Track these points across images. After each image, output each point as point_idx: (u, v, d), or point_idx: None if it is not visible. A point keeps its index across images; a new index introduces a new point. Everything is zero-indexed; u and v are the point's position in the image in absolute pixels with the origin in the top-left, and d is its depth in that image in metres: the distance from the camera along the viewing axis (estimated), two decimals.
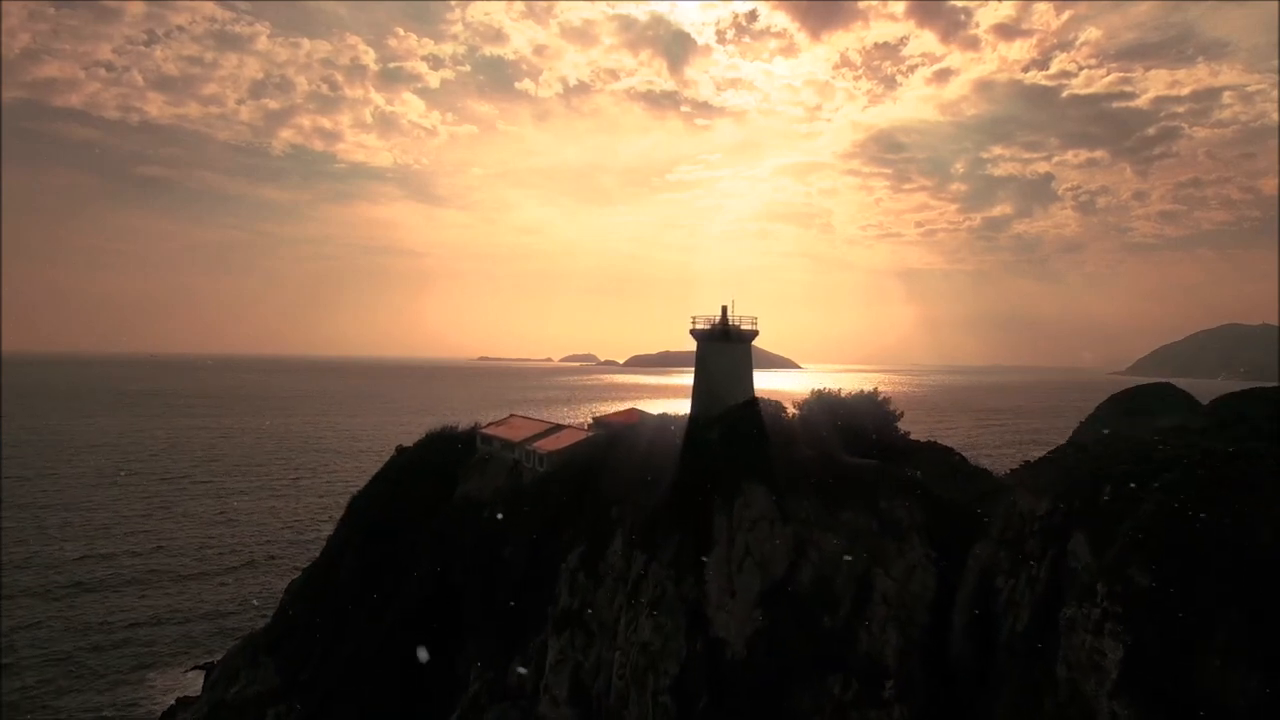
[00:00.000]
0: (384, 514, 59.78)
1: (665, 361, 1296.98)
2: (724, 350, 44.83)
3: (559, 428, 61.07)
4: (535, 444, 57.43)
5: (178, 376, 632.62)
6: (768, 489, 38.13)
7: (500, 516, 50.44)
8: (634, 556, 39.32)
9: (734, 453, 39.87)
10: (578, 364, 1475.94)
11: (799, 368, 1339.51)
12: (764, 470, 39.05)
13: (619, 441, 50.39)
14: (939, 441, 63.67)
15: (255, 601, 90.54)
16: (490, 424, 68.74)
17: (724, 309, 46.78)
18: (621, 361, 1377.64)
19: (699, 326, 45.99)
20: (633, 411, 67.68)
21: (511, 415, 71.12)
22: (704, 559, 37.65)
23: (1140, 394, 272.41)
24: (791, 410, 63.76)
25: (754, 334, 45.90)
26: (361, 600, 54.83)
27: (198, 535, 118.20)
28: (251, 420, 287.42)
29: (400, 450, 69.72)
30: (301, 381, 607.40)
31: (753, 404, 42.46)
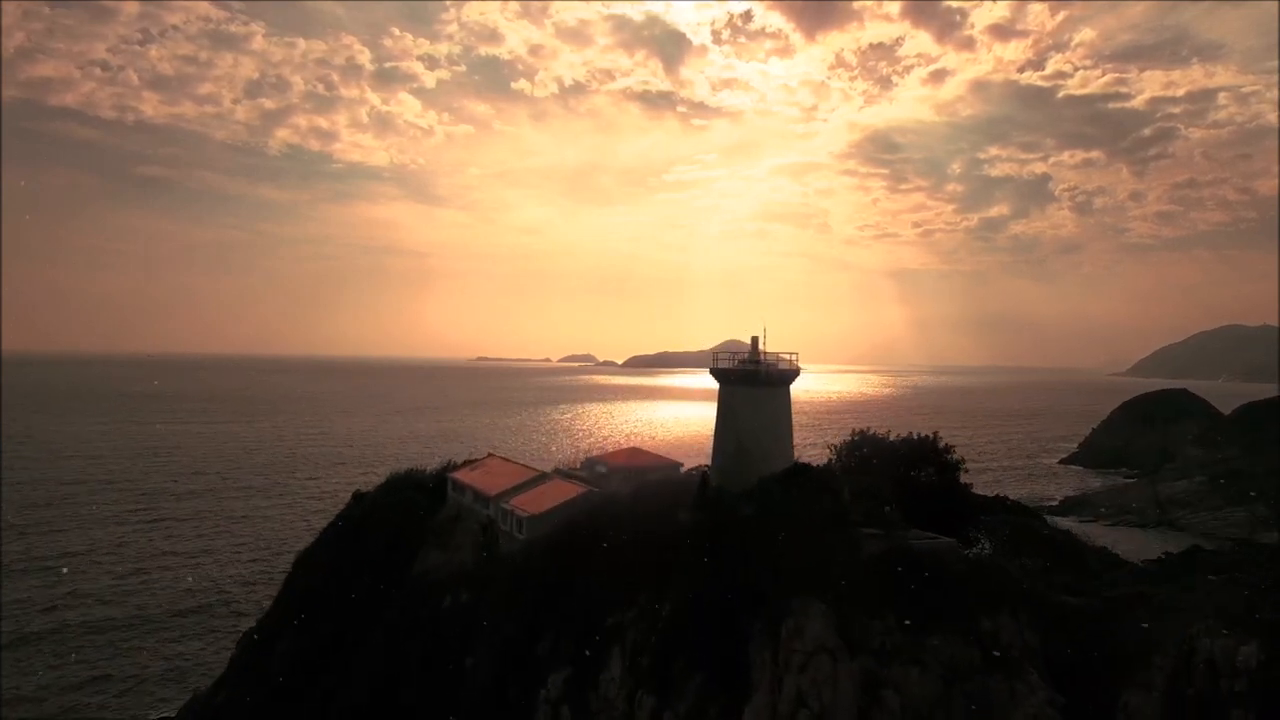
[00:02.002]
0: (328, 588, 48.65)
1: (664, 362, 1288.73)
2: (755, 398, 33.76)
3: (543, 477, 49.88)
4: (513, 501, 46.34)
5: (177, 377, 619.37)
6: (827, 607, 27.06)
7: (465, 600, 39.43)
8: (639, 697, 28.25)
9: (776, 549, 28.84)
10: (576, 364, 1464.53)
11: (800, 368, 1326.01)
12: (820, 578, 27.98)
13: (619, 505, 39.38)
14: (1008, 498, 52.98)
15: (206, 657, 79.41)
16: (464, 466, 57.61)
17: (754, 341, 35.73)
18: (620, 362, 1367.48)
19: (721, 364, 34.89)
20: (635, 452, 56.62)
21: (489, 455, 59.96)
22: (739, 707, 26.60)
23: (1156, 400, 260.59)
24: (827, 453, 52.86)
25: (795, 374, 34.90)
26: (294, 698, 43.80)
27: (170, 565, 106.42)
28: (241, 425, 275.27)
29: (357, 498, 58.58)
30: (299, 382, 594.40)
31: (799, 475, 31.48)
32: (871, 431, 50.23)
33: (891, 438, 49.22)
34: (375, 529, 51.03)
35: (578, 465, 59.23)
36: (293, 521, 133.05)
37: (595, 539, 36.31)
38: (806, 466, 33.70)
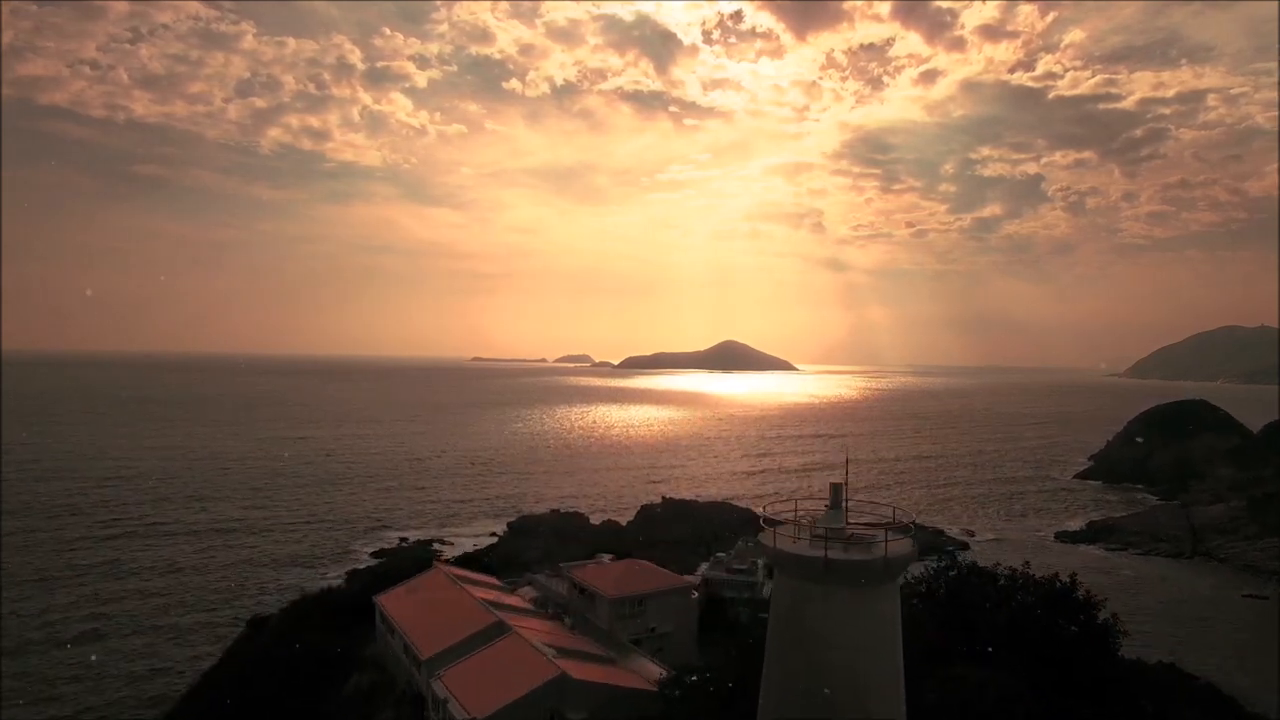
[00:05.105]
0: None
1: (660, 363, 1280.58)
2: (844, 605, 18.55)
3: (499, 628, 34.55)
4: (449, 677, 31.21)
5: (173, 379, 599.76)
6: None
7: None
8: None
9: None
10: (572, 364, 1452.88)
11: (796, 369, 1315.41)
12: None
13: None
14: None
15: None
16: (400, 586, 42.24)
17: (835, 490, 20.34)
18: (616, 363, 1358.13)
19: (778, 543, 19.60)
20: (631, 570, 41.45)
21: (436, 567, 44.67)
22: None
23: (1177, 412, 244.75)
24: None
25: (910, 559, 19.63)
26: None
27: (104, 633, 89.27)
28: (226, 435, 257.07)
29: (255, 626, 43.41)
30: (295, 385, 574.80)
31: None
32: (970, 560, 35.18)
33: (998, 572, 34.14)
34: (262, 697, 35.84)
35: (554, 581, 44.18)
36: (252, 573, 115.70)
37: None
38: None
